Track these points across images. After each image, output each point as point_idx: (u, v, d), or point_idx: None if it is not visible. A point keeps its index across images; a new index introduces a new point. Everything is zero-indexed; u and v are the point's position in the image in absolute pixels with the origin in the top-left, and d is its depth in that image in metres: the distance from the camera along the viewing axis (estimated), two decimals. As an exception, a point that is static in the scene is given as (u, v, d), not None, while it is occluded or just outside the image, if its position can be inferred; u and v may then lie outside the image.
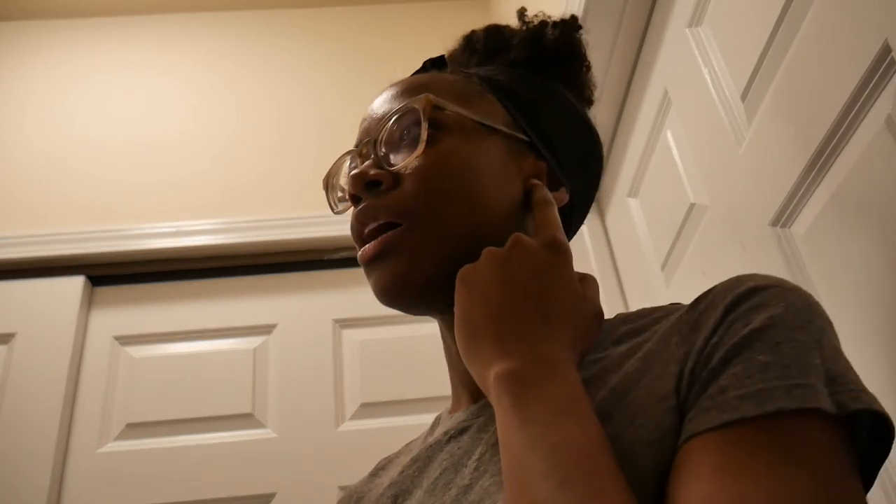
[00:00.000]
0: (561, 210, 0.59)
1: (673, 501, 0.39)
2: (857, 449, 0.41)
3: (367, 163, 0.57)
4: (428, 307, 0.57)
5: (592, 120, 0.68)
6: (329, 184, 0.65)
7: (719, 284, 0.48)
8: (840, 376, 0.41)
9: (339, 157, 0.64)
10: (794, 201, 0.83)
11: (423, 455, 0.58)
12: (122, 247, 1.70)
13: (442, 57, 0.67)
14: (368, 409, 1.58)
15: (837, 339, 0.45)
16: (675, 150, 1.19)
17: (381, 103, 0.61)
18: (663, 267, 1.27)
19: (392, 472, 0.61)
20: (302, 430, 1.55)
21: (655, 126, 1.26)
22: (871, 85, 0.68)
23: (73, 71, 2.01)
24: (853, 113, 0.71)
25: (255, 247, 1.74)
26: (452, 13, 2.09)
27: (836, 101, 0.72)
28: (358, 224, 0.57)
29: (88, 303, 1.68)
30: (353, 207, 0.57)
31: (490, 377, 0.45)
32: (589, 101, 0.69)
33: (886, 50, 0.65)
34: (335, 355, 1.65)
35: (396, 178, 0.55)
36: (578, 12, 1.26)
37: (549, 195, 0.57)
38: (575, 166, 0.63)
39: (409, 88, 0.60)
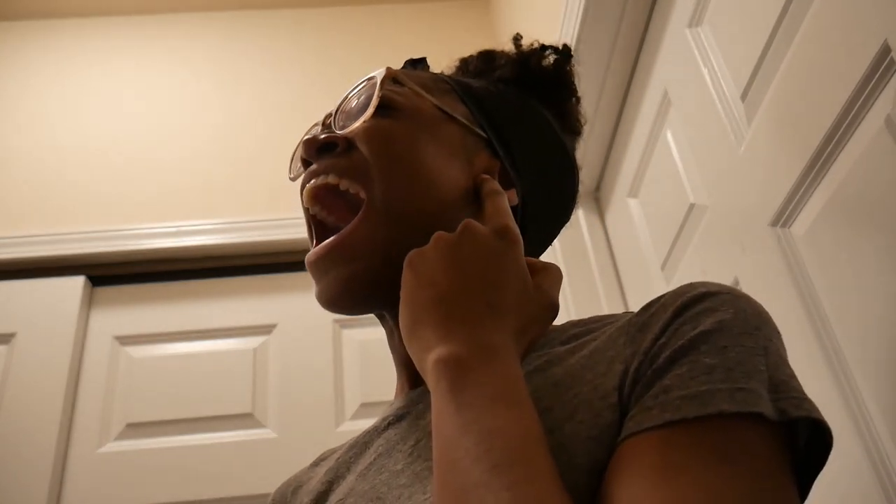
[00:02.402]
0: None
1: (610, 498, 0.39)
2: (795, 456, 0.42)
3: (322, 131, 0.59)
4: (379, 304, 0.57)
5: (576, 149, 0.68)
6: (294, 155, 0.66)
7: (671, 290, 0.48)
8: (783, 384, 0.42)
9: (308, 129, 0.65)
10: (794, 201, 0.83)
11: (361, 441, 0.59)
12: (122, 247, 1.70)
13: (423, 59, 0.69)
14: (368, 409, 1.58)
15: (784, 349, 0.45)
16: (675, 150, 1.19)
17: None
18: (663, 267, 1.27)
19: (331, 461, 0.62)
20: (302, 430, 1.55)
21: (655, 126, 1.26)
22: (870, 85, 0.68)
23: (72, 70, 2.01)
24: (853, 113, 0.71)
25: (255, 247, 1.74)
26: (457, 12, 2.10)
27: (836, 100, 0.72)
28: (307, 179, 0.57)
29: (88, 303, 1.67)
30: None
31: (429, 361, 0.44)
32: (575, 132, 0.69)
33: (886, 50, 0.65)
34: (335, 355, 1.65)
35: (350, 142, 0.56)
36: (578, 12, 1.26)
37: (500, 187, 0.57)
38: (535, 177, 0.63)
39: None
